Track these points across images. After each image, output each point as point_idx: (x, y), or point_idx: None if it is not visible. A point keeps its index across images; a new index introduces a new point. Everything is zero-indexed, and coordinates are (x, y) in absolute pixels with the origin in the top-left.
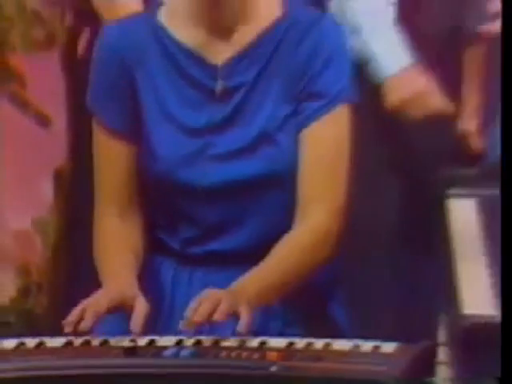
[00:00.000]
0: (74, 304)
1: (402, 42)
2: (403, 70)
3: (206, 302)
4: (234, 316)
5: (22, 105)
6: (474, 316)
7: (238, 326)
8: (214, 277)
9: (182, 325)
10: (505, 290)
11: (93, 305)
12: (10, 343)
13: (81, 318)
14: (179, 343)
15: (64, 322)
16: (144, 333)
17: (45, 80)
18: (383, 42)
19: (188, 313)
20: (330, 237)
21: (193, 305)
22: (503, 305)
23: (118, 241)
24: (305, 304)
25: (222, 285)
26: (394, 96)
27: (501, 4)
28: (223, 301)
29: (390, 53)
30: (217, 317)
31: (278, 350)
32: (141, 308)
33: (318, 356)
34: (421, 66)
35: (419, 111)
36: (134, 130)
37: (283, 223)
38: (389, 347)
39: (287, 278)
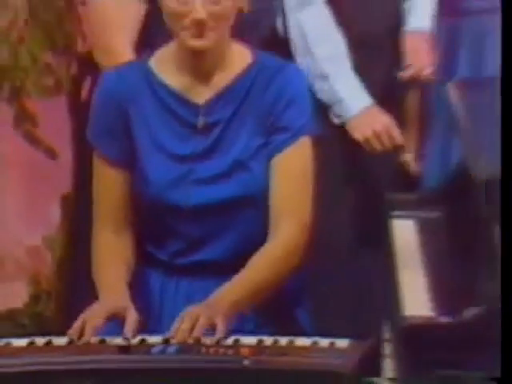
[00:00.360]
0: (77, 308)
1: (361, 86)
2: (364, 110)
3: (186, 320)
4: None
5: (34, 141)
6: (412, 317)
7: (215, 336)
8: (198, 285)
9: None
10: (505, 290)
11: (91, 318)
12: (22, 342)
13: (82, 331)
14: (166, 341)
15: (68, 333)
16: (135, 337)
17: (53, 120)
18: (346, 86)
19: (172, 331)
20: (298, 249)
21: (176, 324)
22: (503, 305)
23: (112, 254)
24: (274, 309)
25: (205, 292)
26: (357, 133)
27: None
28: (201, 317)
29: (352, 95)
30: (196, 333)
31: (249, 346)
32: (132, 318)
33: (283, 351)
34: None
35: (380, 146)
36: (128, 160)
37: (257, 237)
38: (343, 343)
39: (261, 287)
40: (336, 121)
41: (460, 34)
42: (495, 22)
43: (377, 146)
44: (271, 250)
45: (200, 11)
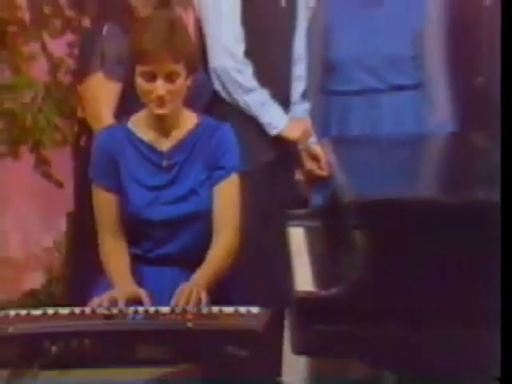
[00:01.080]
0: (77, 289)
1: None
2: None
3: (184, 295)
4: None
5: (48, 176)
6: (300, 291)
7: (203, 309)
8: (160, 270)
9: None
10: (505, 291)
11: (116, 298)
12: (38, 312)
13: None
14: (136, 312)
15: (95, 304)
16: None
17: (61, 163)
18: (274, 112)
19: (176, 302)
20: (235, 248)
21: (176, 298)
22: (503, 306)
23: (116, 252)
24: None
25: (164, 275)
26: (291, 135)
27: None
28: (193, 293)
29: (278, 118)
30: (192, 305)
31: (192, 313)
32: (144, 296)
33: (215, 317)
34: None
35: (304, 143)
36: (117, 189)
37: (203, 240)
38: (255, 310)
39: (219, 273)
40: (272, 133)
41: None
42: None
43: (303, 143)
44: (220, 248)
45: (161, 90)
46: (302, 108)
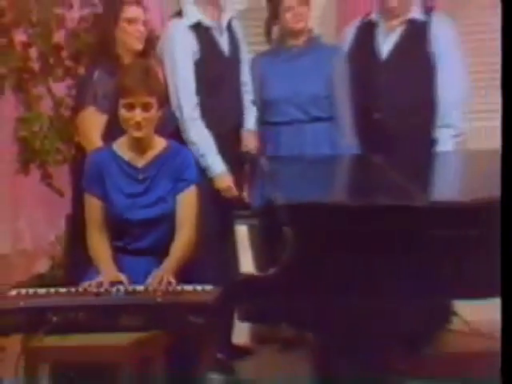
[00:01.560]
0: (72, 273)
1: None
2: (220, 173)
3: (157, 278)
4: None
5: (52, 187)
6: (244, 273)
7: (170, 288)
8: (137, 259)
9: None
10: (505, 293)
11: (102, 281)
12: (42, 290)
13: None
14: (118, 290)
15: (86, 285)
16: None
17: (62, 176)
18: (214, 160)
19: (150, 283)
20: (192, 242)
21: (151, 280)
22: (503, 308)
23: (101, 244)
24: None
25: (142, 263)
26: (217, 185)
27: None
28: (164, 276)
29: (215, 165)
30: (162, 287)
31: (161, 291)
32: (124, 278)
33: (179, 293)
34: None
35: (229, 194)
36: (103, 196)
37: (169, 236)
38: (209, 288)
39: (181, 262)
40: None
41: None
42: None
43: (227, 194)
44: (181, 242)
45: (138, 117)
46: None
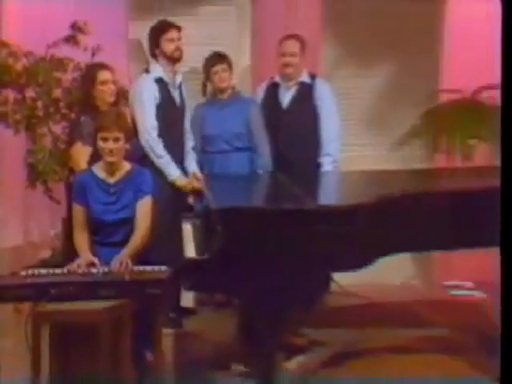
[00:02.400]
0: (68, 259)
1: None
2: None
3: (118, 262)
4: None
5: (52, 198)
6: (188, 258)
7: (129, 268)
8: (110, 250)
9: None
10: (505, 294)
11: (83, 262)
12: (44, 271)
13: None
14: (97, 271)
15: (71, 266)
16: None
17: (59, 190)
18: (172, 169)
19: (112, 266)
20: (146, 237)
21: (113, 264)
22: (503, 308)
23: (82, 239)
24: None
25: (113, 252)
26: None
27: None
28: (123, 261)
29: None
30: (122, 268)
31: (127, 271)
32: (97, 261)
33: (141, 272)
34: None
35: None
36: (85, 204)
37: (131, 232)
38: (162, 269)
39: (138, 250)
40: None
41: None
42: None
43: (186, 189)
44: (136, 237)
45: (111, 146)
46: (193, 160)
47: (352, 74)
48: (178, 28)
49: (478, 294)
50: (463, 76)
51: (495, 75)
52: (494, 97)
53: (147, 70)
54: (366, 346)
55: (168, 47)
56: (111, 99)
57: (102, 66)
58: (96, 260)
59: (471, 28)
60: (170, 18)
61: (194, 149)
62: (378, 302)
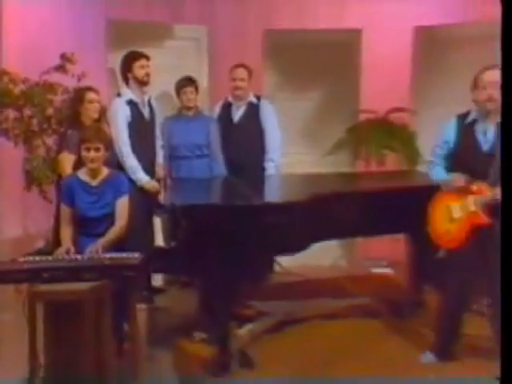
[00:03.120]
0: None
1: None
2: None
3: (94, 249)
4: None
5: (45, 198)
6: (157, 245)
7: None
8: (92, 239)
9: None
10: (504, 293)
11: (63, 250)
12: (38, 257)
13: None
14: (83, 257)
15: (56, 253)
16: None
17: (51, 192)
18: (141, 175)
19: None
20: (123, 230)
21: (89, 250)
22: (503, 308)
23: (66, 232)
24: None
25: (93, 241)
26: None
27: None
28: (99, 248)
29: (141, 178)
30: (98, 253)
31: (109, 258)
32: (73, 249)
33: (119, 258)
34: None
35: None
36: (71, 204)
37: (111, 226)
38: (136, 255)
39: (111, 241)
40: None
41: None
42: None
43: (153, 190)
44: (114, 229)
45: (92, 155)
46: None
47: (289, 97)
48: (147, 57)
49: (389, 270)
50: (377, 100)
51: (403, 100)
52: (402, 117)
53: (119, 94)
54: (302, 314)
55: (139, 73)
56: (95, 116)
57: (90, 89)
58: (73, 248)
59: (384, 61)
60: (141, 49)
61: (162, 156)
62: (312, 278)
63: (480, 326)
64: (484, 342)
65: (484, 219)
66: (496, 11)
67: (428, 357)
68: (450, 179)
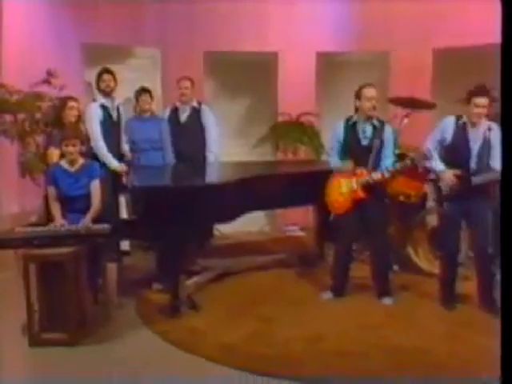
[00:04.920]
0: (47, 221)
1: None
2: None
3: (85, 222)
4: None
5: (37, 184)
6: (123, 219)
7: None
8: (77, 215)
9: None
10: (504, 293)
11: (56, 223)
12: (31, 229)
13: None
14: (64, 228)
15: (50, 226)
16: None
17: (41, 179)
18: (112, 161)
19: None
20: (98, 207)
21: (81, 224)
22: (503, 306)
23: (56, 207)
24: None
25: (77, 216)
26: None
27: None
28: (89, 222)
29: (113, 163)
30: (89, 226)
31: (85, 229)
32: (62, 221)
33: (94, 228)
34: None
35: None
36: (56, 185)
37: (90, 203)
38: (106, 226)
39: (97, 214)
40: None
41: None
42: None
43: (121, 172)
44: (93, 208)
45: (70, 148)
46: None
47: (224, 102)
48: (111, 72)
49: (301, 233)
50: (291, 106)
51: (310, 106)
52: (310, 119)
53: (94, 100)
54: (236, 268)
55: (102, 84)
56: (74, 119)
57: (70, 98)
58: (64, 222)
59: (295, 76)
60: (110, 66)
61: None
62: (244, 241)
63: (363, 270)
64: (367, 282)
65: (362, 195)
66: (376, 45)
67: (327, 295)
68: (342, 165)
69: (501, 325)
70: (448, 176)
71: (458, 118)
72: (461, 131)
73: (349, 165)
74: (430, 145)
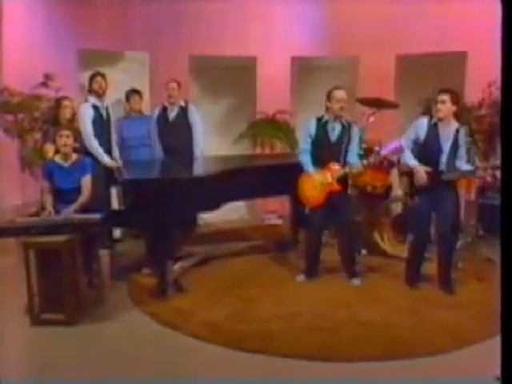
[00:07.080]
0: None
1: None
2: (108, 161)
3: (67, 211)
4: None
5: (35, 177)
6: (114, 209)
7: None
8: (68, 206)
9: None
10: (505, 292)
11: (46, 212)
12: (30, 219)
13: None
14: (59, 218)
15: (41, 216)
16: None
17: (38, 173)
18: (105, 157)
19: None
20: (88, 198)
21: (64, 212)
22: (503, 307)
23: (48, 198)
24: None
25: (67, 207)
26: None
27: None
28: (71, 211)
29: (107, 159)
30: (71, 214)
31: (79, 218)
32: (52, 212)
33: (87, 218)
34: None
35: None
36: (51, 180)
37: (79, 195)
38: (98, 215)
39: (82, 206)
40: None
41: None
42: None
43: (113, 167)
44: (81, 199)
45: (64, 140)
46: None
47: (208, 102)
48: (102, 75)
49: (278, 221)
50: (268, 105)
51: (285, 105)
52: (285, 117)
53: (86, 100)
54: (219, 254)
55: (94, 86)
56: (68, 117)
57: (65, 98)
58: (52, 211)
59: (267, 79)
60: (101, 69)
61: (116, 144)
62: (225, 229)
63: (332, 254)
64: (337, 265)
65: (336, 187)
66: (345, 50)
67: (301, 277)
68: (308, 167)
69: (501, 325)
70: (420, 173)
71: (430, 118)
72: (433, 130)
73: (313, 170)
74: (404, 143)
